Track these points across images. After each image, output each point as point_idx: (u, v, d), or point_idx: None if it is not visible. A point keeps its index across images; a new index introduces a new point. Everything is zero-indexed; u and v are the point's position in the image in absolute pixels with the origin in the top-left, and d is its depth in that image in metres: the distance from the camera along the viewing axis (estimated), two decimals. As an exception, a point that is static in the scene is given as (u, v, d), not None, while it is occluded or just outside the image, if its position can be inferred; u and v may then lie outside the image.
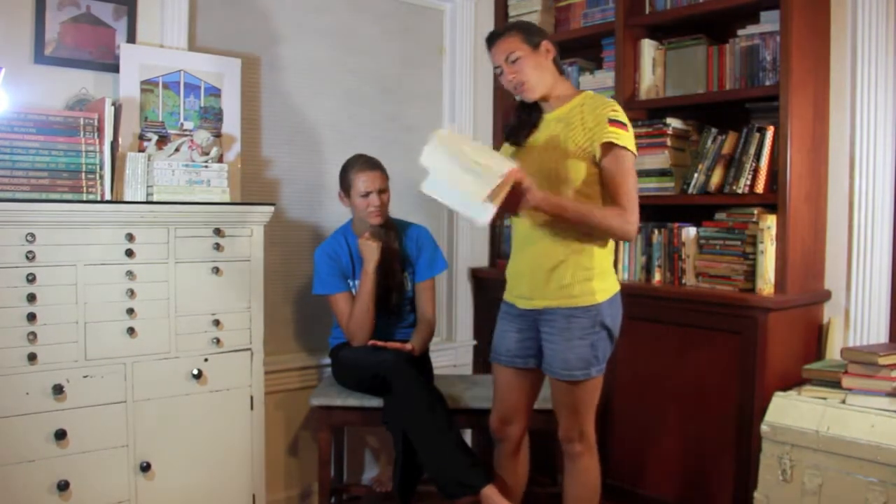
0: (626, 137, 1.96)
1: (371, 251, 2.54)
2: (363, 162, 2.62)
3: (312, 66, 2.94)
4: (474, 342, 3.38)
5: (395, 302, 2.65)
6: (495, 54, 2.06)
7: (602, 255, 2.05)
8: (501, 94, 3.39)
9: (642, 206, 2.83)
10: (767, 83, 2.50)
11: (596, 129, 1.95)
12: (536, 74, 2.03)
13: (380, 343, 2.51)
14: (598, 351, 2.02)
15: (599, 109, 1.97)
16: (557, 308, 2.02)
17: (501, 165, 1.79)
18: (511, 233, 2.25)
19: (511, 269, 2.17)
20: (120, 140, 2.29)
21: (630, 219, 1.97)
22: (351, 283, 2.66)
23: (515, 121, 2.16)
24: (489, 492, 2.22)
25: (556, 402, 2.12)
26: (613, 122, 1.95)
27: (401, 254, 2.68)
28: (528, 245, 2.09)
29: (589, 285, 2.00)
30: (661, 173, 2.74)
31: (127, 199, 2.22)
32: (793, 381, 2.38)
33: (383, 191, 2.60)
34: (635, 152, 1.99)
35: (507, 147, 2.19)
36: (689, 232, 2.65)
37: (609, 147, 1.94)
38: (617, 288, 2.08)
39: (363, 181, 2.57)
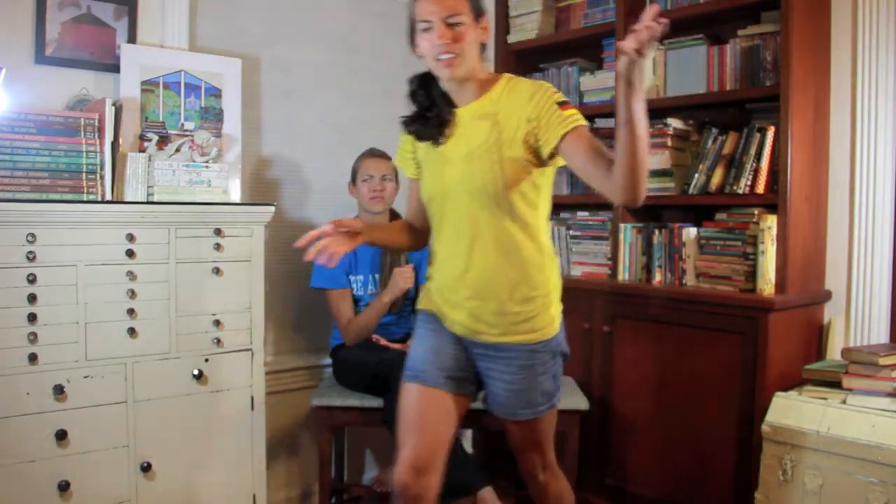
0: (578, 115, 1.62)
1: (396, 285, 2.55)
2: (370, 151, 2.73)
3: (312, 66, 2.94)
4: (475, 342, 3.37)
5: (397, 302, 2.65)
6: (430, 5, 1.60)
7: (555, 267, 1.76)
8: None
9: (643, 206, 2.85)
10: (768, 83, 2.50)
11: (544, 120, 1.60)
12: (470, 50, 1.64)
13: (382, 342, 2.51)
14: (559, 378, 1.80)
15: (537, 97, 1.62)
16: (518, 344, 1.70)
17: None
18: (441, 221, 1.76)
19: (440, 277, 1.77)
20: (120, 140, 2.29)
21: None
22: (352, 279, 2.66)
23: (421, 110, 1.75)
24: (487, 494, 2.22)
25: (514, 442, 1.85)
26: (563, 104, 1.61)
27: (405, 253, 2.68)
28: (465, 248, 1.69)
29: (549, 314, 1.72)
30: (662, 173, 2.74)
31: (127, 199, 2.22)
32: (793, 382, 2.37)
33: (387, 179, 2.65)
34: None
35: (409, 146, 1.82)
36: (690, 232, 2.65)
37: (573, 131, 1.60)
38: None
39: (367, 166, 2.66)
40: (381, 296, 2.56)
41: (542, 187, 1.70)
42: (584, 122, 1.61)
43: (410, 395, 1.73)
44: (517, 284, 1.67)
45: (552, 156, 1.63)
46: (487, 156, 1.64)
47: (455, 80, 1.67)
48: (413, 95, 1.76)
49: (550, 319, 1.72)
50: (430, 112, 1.72)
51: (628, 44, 1.32)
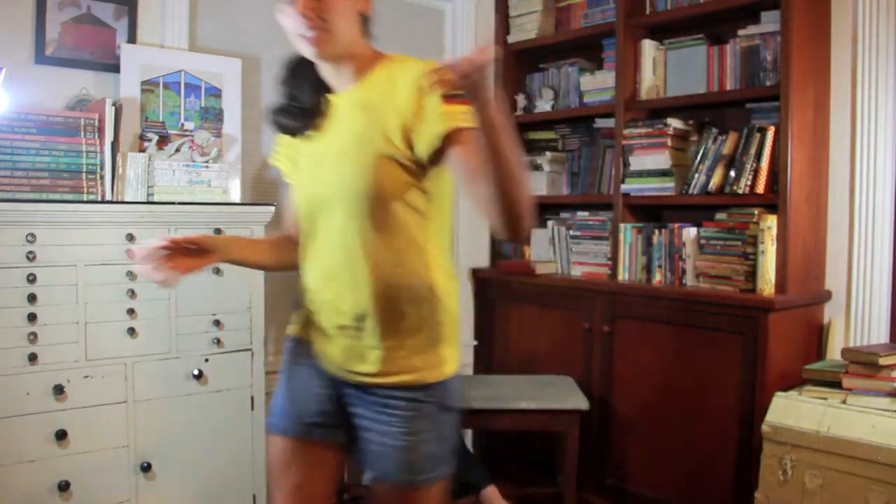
0: (469, 114, 1.19)
1: None
2: None
3: (313, 66, 2.94)
4: (475, 342, 3.38)
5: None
6: None
7: (451, 294, 1.41)
8: (502, 96, 3.39)
9: (643, 206, 2.88)
10: (768, 83, 2.50)
11: (423, 113, 1.28)
12: (343, 23, 1.34)
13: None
14: (449, 443, 1.41)
15: (422, 82, 1.23)
16: (396, 387, 1.36)
17: None
18: (311, 234, 1.45)
19: (310, 304, 1.48)
20: (121, 140, 2.29)
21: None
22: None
23: (288, 98, 1.45)
24: (490, 493, 2.22)
25: None
26: (452, 97, 1.18)
27: None
28: (337, 268, 1.38)
29: (436, 352, 1.37)
30: (662, 173, 2.74)
31: (127, 199, 2.22)
32: (793, 382, 2.37)
33: None
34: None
35: (284, 143, 1.51)
36: (690, 232, 2.65)
37: (454, 132, 1.26)
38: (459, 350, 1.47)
39: None
40: None
41: (436, 196, 1.37)
42: (470, 123, 1.23)
43: (272, 446, 1.48)
44: (400, 314, 1.35)
45: (437, 159, 1.31)
46: (361, 153, 1.32)
47: (326, 61, 1.36)
48: (283, 81, 1.46)
49: (439, 360, 1.37)
50: (297, 101, 1.43)
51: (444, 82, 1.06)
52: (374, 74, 1.37)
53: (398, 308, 1.35)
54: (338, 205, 1.35)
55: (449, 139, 1.26)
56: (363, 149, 1.32)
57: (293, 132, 1.44)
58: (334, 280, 1.38)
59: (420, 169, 1.33)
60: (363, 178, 1.32)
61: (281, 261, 1.58)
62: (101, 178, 2.19)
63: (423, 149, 1.30)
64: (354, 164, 1.33)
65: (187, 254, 1.36)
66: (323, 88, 1.41)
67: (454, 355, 1.40)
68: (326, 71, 1.40)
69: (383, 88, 1.33)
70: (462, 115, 1.24)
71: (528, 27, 3.26)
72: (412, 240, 1.35)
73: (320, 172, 1.39)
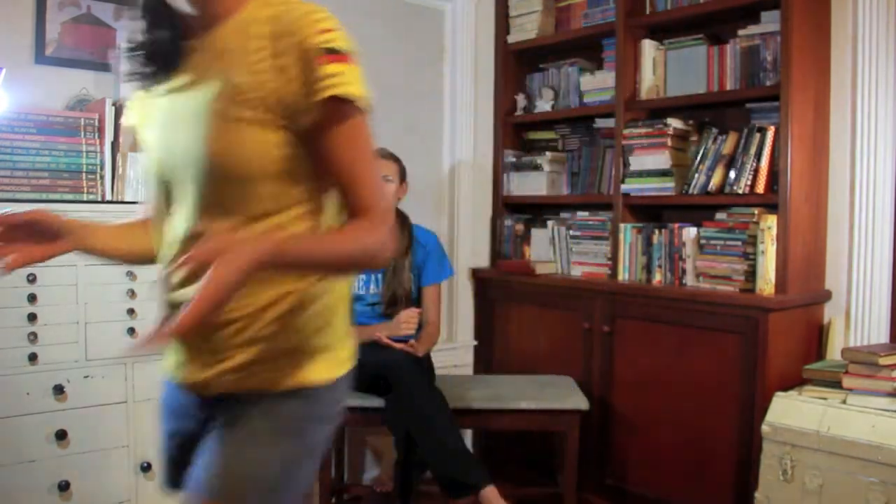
0: (351, 78, 1.03)
1: (397, 328, 2.56)
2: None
3: (313, 66, 2.94)
4: (475, 342, 3.38)
5: (400, 304, 2.65)
6: None
7: (330, 290, 1.15)
8: (502, 96, 3.39)
9: (643, 206, 2.88)
10: (768, 83, 2.50)
11: (298, 69, 1.01)
12: None
13: (384, 340, 2.51)
14: (292, 474, 1.12)
15: (298, 27, 1.01)
16: (254, 392, 1.11)
17: None
18: (163, 214, 1.20)
19: (165, 298, 1.25)
20: (121, 140, 2.28)
21: (380, 231, 1.08)
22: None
23: (144, 41, 1.12)
24: (490, 493, 2.22)
25: None
26: (332, 53, 1.01)
27: (409, 257, 2.68)
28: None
29: (302, 356, 1.12)
30: (662, 173, 2.74)
31: (128, 199, 2.22)
32: (793, 382, 2.37)
33: (387, 180, 2.61)
34: (366, 99, 1.07)
35: (143, 97, 1.19)
36: (690, 232, 2.65)
37: (330, 104, 1.02)
38: (351, 358, 1.21)
39: None
40: (376, 328, 2.56)
41: (319, 175, 1.10)
42: (359, 92, 1.04)
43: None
44: (258, 314, 1.09)
45: (315, 130, 1.05)
46: (214, 114, 1.04)
47: None
48: (140, 19, 1.12)
49: (306, 365, 1.12)
50: (154, 44, 1.11)
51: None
52: (241, 17, 1.07)
53: (256, 307, 1.09)
54: (187, 178, 1.08)
55: (325, 110, 1.03)
56: (217, 108, 1.04)
57: (147, 80, 1.14)
58: (184, 276, 1.08)
59: (298, 138, 1.05)
60: (212, 146, 1.04)
61: (144, 250, 1.30)
62: (101, 178, 2.19)
63: (301, 116, 1.04)
64: (205, 128, 1.04)
65: (32, 238, 1.13)
66: (186, 30, 1.11)
67: (331, 359, 1.15)
68: (184, 10, 1.10)
69: (252, 33, 1.05)
70: (336, 80, 1.01)
71: (528, 27, 3.26)
72: (278, 227, 1.07)
73: (173, 134, 1.11)
